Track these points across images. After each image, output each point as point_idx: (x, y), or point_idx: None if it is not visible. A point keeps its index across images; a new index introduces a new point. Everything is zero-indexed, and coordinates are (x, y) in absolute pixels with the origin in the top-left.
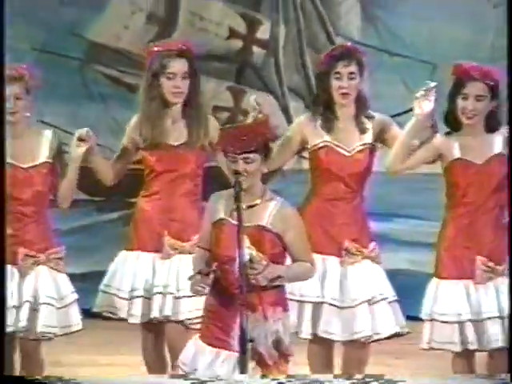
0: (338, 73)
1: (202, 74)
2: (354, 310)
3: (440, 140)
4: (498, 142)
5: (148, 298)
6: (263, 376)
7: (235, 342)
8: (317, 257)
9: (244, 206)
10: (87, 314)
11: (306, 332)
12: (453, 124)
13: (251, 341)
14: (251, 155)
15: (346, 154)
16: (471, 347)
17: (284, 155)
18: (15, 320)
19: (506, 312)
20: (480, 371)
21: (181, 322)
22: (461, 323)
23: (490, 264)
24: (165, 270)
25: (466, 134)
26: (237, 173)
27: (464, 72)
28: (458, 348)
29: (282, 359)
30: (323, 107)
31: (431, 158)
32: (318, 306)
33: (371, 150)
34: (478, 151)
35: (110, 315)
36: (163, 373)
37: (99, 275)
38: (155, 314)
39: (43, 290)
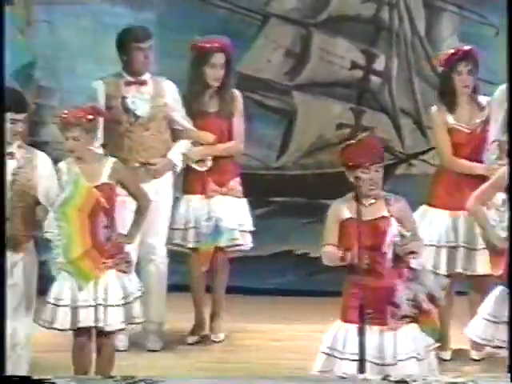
0: (459, 71)
1: (329, 97)
2: None
3: None
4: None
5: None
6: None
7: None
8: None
9: (367, 204)
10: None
11: None
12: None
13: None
14: (379, 165)
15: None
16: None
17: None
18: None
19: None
20: None
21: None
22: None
23: None
24: (208, 207)
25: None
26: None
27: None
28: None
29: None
30: (448, 97)
31: None
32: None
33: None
34: None
35: (171, 247)
36: None
37: None
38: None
39: None
